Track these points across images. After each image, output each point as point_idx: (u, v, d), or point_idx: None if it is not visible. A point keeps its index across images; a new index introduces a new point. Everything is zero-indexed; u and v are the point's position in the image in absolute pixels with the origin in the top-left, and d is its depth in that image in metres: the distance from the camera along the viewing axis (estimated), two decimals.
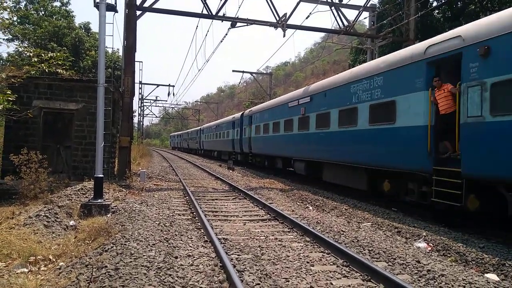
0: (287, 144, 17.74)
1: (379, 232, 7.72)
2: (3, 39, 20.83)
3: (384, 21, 19.27)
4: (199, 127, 49.67)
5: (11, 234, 6.40)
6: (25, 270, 5.29)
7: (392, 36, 19.03)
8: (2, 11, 9.72)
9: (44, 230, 6.97)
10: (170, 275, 4.77)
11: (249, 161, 25.55)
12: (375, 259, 5.73)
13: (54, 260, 5.77)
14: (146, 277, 4.64)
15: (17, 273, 5.13)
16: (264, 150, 21.98)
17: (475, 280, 4.89)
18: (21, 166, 9.97)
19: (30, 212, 7.84)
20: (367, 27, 20.98)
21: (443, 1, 22.83)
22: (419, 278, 4.97)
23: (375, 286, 4.72)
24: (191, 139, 56.09)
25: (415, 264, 5.45)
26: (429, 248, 6.76)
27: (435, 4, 23.95)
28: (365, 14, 19.67)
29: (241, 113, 29.05)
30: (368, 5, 19.29)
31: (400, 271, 5.23)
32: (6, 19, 10.07)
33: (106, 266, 4.92)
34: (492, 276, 5.33)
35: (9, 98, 9.61)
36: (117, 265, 4.97)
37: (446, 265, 5.51)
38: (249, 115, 25.04)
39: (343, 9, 18.01)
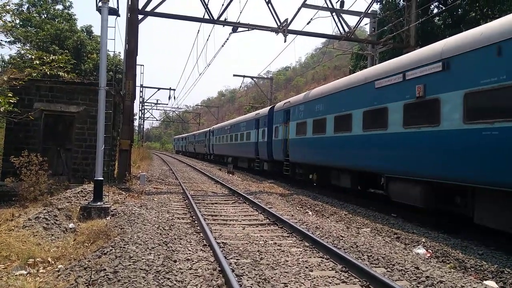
0: (369, 149, 10.85)
1: (378, 237, 7.71)
2: (6, 41, 20.89)
3: (385, 28, 19.36)
4: (208, 128, 42.94)
5: (11, 236, 6.41)
6: (24, 272, 5.29)
7: (392, 42, 19.11)
8: (4, 13, 9.79)
9: (44, 233, 6.98)
10: (168, 278, 4.77)
11: (284, 173, 18.04)
12: (374, 265, 5.73)
13: (53, 262, 5.77)
14: (145, 280, 4.64)
15: (16, 275, 5.13)
16: (313, 157, 14.79)
17: (474, 287, 4.88)
18: (22, 168, 9.99)
19: (30, 214, 7.85)
20: (368, 33, 21.05)
21: (443, 8, 22.92)
22: (418, 285, 4.97)
23: None
24: (198, 142, 49.90)
25: (414, 271, 5.44)
26: (428, 255, 6.75)
27: (435, 11, 24.05)
28: (366, 20, 19.77)
29: (269, 107, 22.45)
30: (369, 12, 19.40)
31: (399, 277, 5.23)
32: (9, 21, 10.14)
33: (105, 269, 4.92)
34: (491, 283, 5.33)
35: (10, 100, 9.63)
36: (116, 268, 4.97)
37: (445, 272, 5.50)
38: (285, 109, 18.24)
39: (344, 15, 18.12)
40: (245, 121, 26.99)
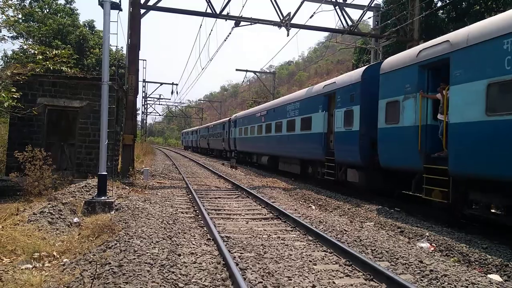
0: None
1: (382, 231, 7.72)
2: (8, 36, 20.94)
3: (388, 21, 19.26)
4: (228, 118, 34.62)
5: (16, 231, 6.45)
6: (30, 266, 5.32)
7: (396, 36, 18.99)
8: (7, 8, 9.78)
9: (48, 227, 7.01)
10: (173, 272, 4.80)
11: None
12: (378, 259, 5.74)
13: (58, 256, 5.80)
14: (150, 274, 4.66)
15: (22, 269, 5.16)
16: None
17: (478, 281, 4.88)
18: (26, 163, 10.03)
19: (35, 208, 7.89)
20: (371, 27, 20.92)
21: (447, 1, 22.74)
22: (422, 278, 4.97)
23: (378, 286, 4.72)
24: (213, 136, 40.43)
25: (418, 264, 5.45)
26: (432, 248, 6.76)
27: (439, 4, 23.88)
28: (369, 14, 19.64)
29: (362, 68, 12.74)
30: (372, 5, 19.26)
31: (402, 271, 5.23)
32: (11, 16, 10.13)
33: (109, 263, 4.94)
34: (495, 277, 5.32)
35: (13, 96, 9.67)
36: (120, 262, 5.00)
37: (449, 265, 5.50)
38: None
39: (347, 9, 17.99)
40: (300, 99, 17.00)
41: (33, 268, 5.26)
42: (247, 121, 26.22)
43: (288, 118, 18.11)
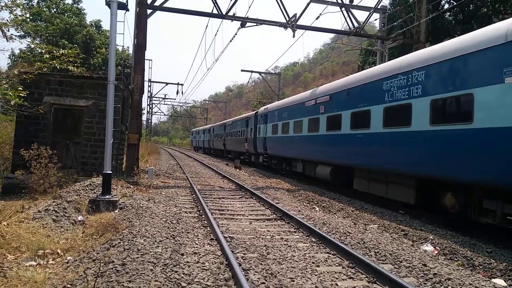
0: None
1: (385, 234, 7.69)
2: (16, 35, 21.02)
3: (395, 23, 19.19)
4: (255, 112, 26.45)
5: (21, 228, 6.49)
6: (34, 263, 5.36)
7: (402, 38, 18.92)
8: (15, 8, 9.85)
9: (53, 225, 7.06)
10: (176, 271, 4.81)
11: None
12: (381, 261, 5.72)
13: (62, 254, 5.83)
14: (153, 273, 4.67)
15: (26, 266, 5.20)
16: None
17: (482, 285, 4.85)
18: (31, 161, 10.11)
19: (40, 206, 7.94)
20: (378, 28, 20.86)
21: (454, 3, 22.63)
22: (425, 282, 4.95)
23: None
24: (232, 136, 33.35)
25: (422, 267, 5.42)
26: (436, 252, 6.72)
27: (446, 6, 23.77)
28: (376, 15, 19.61)
29: None
30: (379, 7, 19.20)
31: (406, 274, 5.21)
32: (19, 15, 10.19)
33: (113, 261, 4.96)
34: (500, 281, 5.29)
35: (20, 94, 9.73)
36: (124, 260, 5.02)
37: (452, 269, 5.47)
38: None
39: (353, 10, 17.93)
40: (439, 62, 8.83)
41: (37, 265, 5.30)
42: (288, 114, 18.61)
43: (392, 102, 10.31)
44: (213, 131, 45.38)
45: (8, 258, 5.49)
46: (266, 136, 21.96)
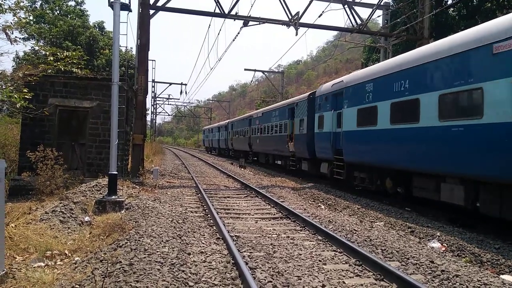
0: None
1: (392, 231, 7.66)
2: (20, 38, 21.16)
3: (398, 20, 19.08)
4: (308, 94, 17.74)
5: (28, 229, 6.54)
6: (42, 264, 5.39)
7: (406, 34, 18.82)
8: (18, 10, 9.90)
9: (60, 226, 7.09)
10: (183, 271, 4.82)
11: None
12: (388, 259, 5.70)
13: (70, 255, 5.87)
14: (160, 272, 4.69)
15: (34, 267, 5.23)
16: None
17: (491, 281, 4.82)
18: (38, 162, 10.17)
19: (46, 207, 7.98)
20: (381, 25, 20.77)
21: None
22: (433, 278, 4.93)
23: (388, 286, 4.69)
24: (263, 132, 24.96)
25: (429, 264, 5.40)
26: (443, 249, 6.69)
27: (450, 1, 23.62)
28: (379, 12, 19.48)
29: None
30: (382, 3, 19.11)
31: (413, 271, 5.19)
32: (23, 18, 10.25)
33: (120, 262, 4.98)
34: (508, 278, 5.25)
35: (25, 96, 9.80)
36: (131, 260, 5.04)
37: (460, 266, 5.44)
38: None
39: (356, 7, 17.89)
40: None
41: (46, 266, 5.33)
42: (415, 83, 9.42)
43: None
44: (232, 127, 36.58)
45: (16, 259, 5.53)
46: (341, 131, 13.17)
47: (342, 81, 13.67)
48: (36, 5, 33.81)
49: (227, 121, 42.09)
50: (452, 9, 23.55)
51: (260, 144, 25.86)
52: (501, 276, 5.31)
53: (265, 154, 25.67)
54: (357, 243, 6.46)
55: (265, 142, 24.51)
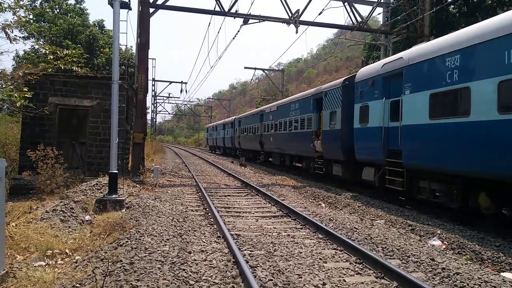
0: None
1: (392, 229, 7.66)
2: (20, 36, 21.13)
3: (398, 17, 19.04)
4: (344, 80, 14.08)
5: (29, 228, 6.55)
6: (43, 263, 5.40)
7: (406, 32, 18.79)
8: (18, 9, 9.88)
9: (61, 225, 7.10)
10: (184, 269, 4.82)
11: None
12: (389, 257, 5.70)
13: (70, 254, 5.88)
14: (161, 271, 4.69)
15: (35, 266, 5.24)
16: None
17: (491, 279, 4.82)
18: (38, 161, 10.16)
19: (47, 206, 7.99)
20: (381, 23, 20.73)
21: None
22: (434, 276, 4.93)
23: (389, 284, 4.69)
24: (279, 129, 21.47)
25: (430, 262, 5.40)
26: (444, 246, 6.69)
27: None
28: (379, 10, 19.45)
29: None
30: (382, 1, 19.07)
31: (414, 269, 5.19)
32: (23, 17, 10.23)
33: (121, 260, 4.99)
34: (509, 275, 5.25)
35: (26, 95, 9.79)
36: (132, 259, 5.04)
37: (461, 263, 5.44)
38: None
39: (356, 5, 17.84)
40: None
41: (46, 266, 5.34)
42: None
43: None
44: (239, 124, 33.24)
45: (17, 258, 5.54)
46: (399, 125, 10.09)
47: (401, 58, 10.31)
48: (36, 4, 33.79)
49: (233, 117, 39.18)
50: (452, 6, 23.49)
51: (275, 143, 22.34)
52: (502, 273, 5.30)
53: (281, 154, 22.12)
54: (358, 241, 6.46)
55: (281, 140, 21.08)
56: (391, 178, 10.41)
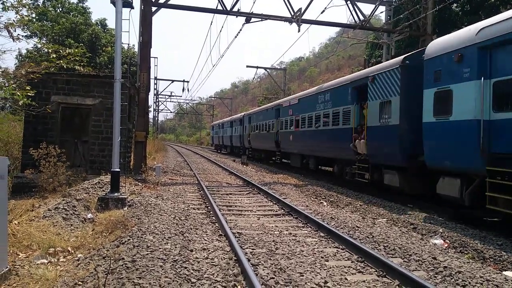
0: None
1: (394, 228, 7.65)
2: (23, 35, 21.16)
3: (401, 15, 18.98)
4: (403, 58, 10.85)
5: (31, 226, 6.57)
6: (45, 261, 5.42)
7: (409, 30, 18.73)
8: (21, 8, 9.91)
9: (63, 223, 7.12)
10: (185, 267, 4.83)
11: None
12: (391, 255, 5.70)
13: (72, 251, 5.90)
14: (162, 269, 4.70)
15: (37, 264, 5.26)
16: None
17: (493, 278, 4.81)
18: (41, 160, 10.20)
19: (49, 205, 8.01)
20: (384, 21, 20.67)
21: None
22: (436, 275, 4.92)
23: (391, 282, 4.69)
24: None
25: (431, 261, 5.39)
26: (446, 245, 6.68)
27: None
28: (382, 8, 19.41)
29: None
30: None
31: (416, 268, 5.18)
32: (26, 15, 10.26)
33: (123, 258, 5.00)
34: (511, 274, 5.24)
35: (28, 94, 9.82)
36: (134, 257, 5.05)
37: (463, 262, 5.44)
38: None
39: (358, 3, 17.80)
40: None
41: (49, 263, 5.36)
42: None
43: None
44: (249, 120, 29.96)
45: (19, 256, 5.56)
46: None
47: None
48: (39, 3, 33.89)
49: (242, 113, 36.07)
50: (455, 4, 23.40)
51: (295, 142, 19.24)
52: (504, 272, 5.30)
53: (302, 155, 18.73)
54: (360, 239, 6.46)
55: (304, 139, 17.86)
56: (497, 196, 7.17)
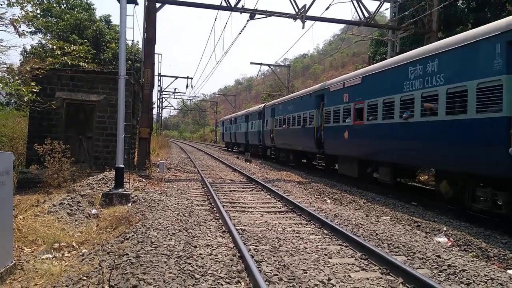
0: None
1: (398, 226, 7.64)
2: (27, 31, 21.25)
3: (406, 12, 18.86)
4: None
5: (36, 221, 6.61)
6: (50, 256, 5.46)
7: (414, 27, 18.63)
8: (26, 4, 9.93)
9: (68, 218, 7.16)
10: (189, 263, 4.85)
11: None
12: (394, 253, 5.69)
13: (77, 247, 5.93)
14: (167, 265, 4.72)
15: (42, 259, 5.30)
16: None
17: (497, 276, 4.80)
18: (45, 155, 10.25)
19: (54, 200, 8.06)
20: (388, 18, 20.57)
21: None
22: (440, 273, 4.91)
23: (394, 280, 4.68)
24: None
25: (435, 259, 5.38)
26: (450, 243, 6.66)
27: None
28: (386, 5, 19.29)
29: None
30: None
31: (419, 265, 5.18)
32: (30, 11, 10.29)
33: (127, 254, 5.02)
34: None
35: (33, 90, 9.86)
36: (138, 253, 5.07)
37: (467, 260, 5.42)
38: None
39: (363, 0, 17.69)
40: None
41: (53, 258, 5.39)
42: None
43: None
44: (271, 113, 24.44)
45: (24, 251, 5.60)
46: None
47: None
48: None
49: (261, 105, 30.14)
50: (461, 1, 23.22)
51: (352, 142, 13.37)
52: (508, 271, 5.27)
53: (366, 161, 12.97)
54: (363, 237, 6.45)
55: (376, 137, 11.71)
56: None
